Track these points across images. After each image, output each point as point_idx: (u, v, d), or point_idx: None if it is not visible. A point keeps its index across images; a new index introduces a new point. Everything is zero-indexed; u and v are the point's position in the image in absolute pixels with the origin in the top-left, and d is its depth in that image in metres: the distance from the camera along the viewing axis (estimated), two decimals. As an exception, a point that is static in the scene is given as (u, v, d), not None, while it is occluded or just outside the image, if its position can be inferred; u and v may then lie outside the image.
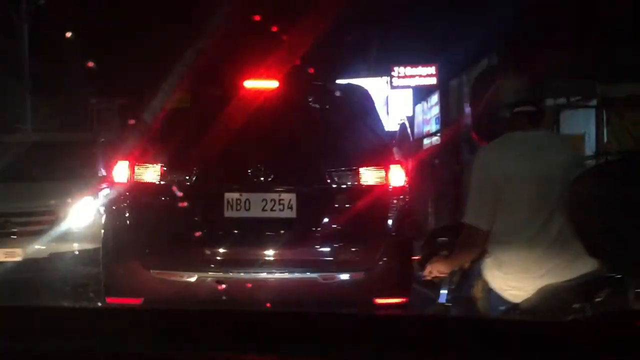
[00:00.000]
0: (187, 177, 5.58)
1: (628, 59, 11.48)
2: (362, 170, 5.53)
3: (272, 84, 5.90)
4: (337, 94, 6.17)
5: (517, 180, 3.41)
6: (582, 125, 12.47)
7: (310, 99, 6.02)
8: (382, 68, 24.46)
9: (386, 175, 5.53)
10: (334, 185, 5.54)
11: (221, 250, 5.54)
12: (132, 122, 6.39)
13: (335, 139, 5.71)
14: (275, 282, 5.45)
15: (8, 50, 22.16)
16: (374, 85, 24.55)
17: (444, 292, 3.74)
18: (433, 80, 22.09)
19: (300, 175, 5.57)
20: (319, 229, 5.49)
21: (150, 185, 5.59)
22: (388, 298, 5.49)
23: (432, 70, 22.18)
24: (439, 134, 20.96)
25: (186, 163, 5.56)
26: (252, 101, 5.69)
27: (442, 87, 21.08)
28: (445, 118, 20.48)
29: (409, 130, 24.78)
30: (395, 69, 22.42)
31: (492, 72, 3.86)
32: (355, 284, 5.44)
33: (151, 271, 5.53)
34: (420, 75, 22.34)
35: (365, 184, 5.53)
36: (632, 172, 3.16)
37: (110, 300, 5.63)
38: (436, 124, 21.37)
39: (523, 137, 3.49)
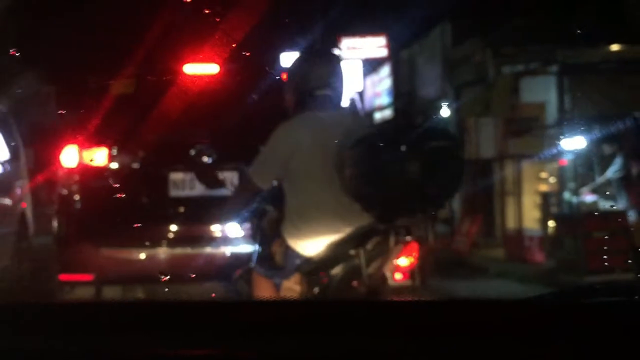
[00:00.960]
0: (134, 160, 5.95)
1: (589, 22, 10.95)
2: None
3: (211, 68, 6.13)
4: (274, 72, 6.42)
5: (305, 152, 3.95)
6: (543, 93, 11.94)
7: (248, 80, 6.18)
8: (329, 40, 23.75)
9: None
10: None
11: (168, 227, 5.97)
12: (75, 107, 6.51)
13: (275, 118, 5.65)
14: (221, 256, 5.79)
15: None
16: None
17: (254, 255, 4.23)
18: (384, 52, 21.42)
19: (241, 154, 5.63)
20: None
21: (98, 168, 5.94)
22: None
23: (382, 40, 21.50)
24: (390, 108, 20.34)
25: (132, 146, 5.90)
26: (193, 84, 5.95)
27: (393, 58, 20.44)
28: (398, 91, 19.85)
29: (359, 104, 24.16)
30: (343, 40, 21.70)
31: (302, 59, 4.37)
32: None
33: (102, 249, 5.93)
34: (370, 47, 21.65)
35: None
36: (387, 139, 3.82)
37: (63, 277, 6.02)
38: (388, 96, 20.73)
39: (319, 116, 4.04)
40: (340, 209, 3.92)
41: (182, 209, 6.06)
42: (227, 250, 5.97)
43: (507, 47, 11.98)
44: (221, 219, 5.53)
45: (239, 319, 1.64)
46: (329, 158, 3.88)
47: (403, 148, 3.74)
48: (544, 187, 12.21)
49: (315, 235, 3.98)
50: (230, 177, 5.63)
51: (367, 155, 3.79)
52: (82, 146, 6.01)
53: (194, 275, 5.97)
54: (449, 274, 11.20)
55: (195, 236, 5.97)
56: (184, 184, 6.05)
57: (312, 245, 3.98)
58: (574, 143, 11.23)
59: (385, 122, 5.21)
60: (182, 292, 5.99)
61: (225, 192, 5.50)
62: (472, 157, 13.35)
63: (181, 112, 5.76)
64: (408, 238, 3.96)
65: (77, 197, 6.09)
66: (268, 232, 4.19)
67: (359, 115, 5.15)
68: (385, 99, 21.03)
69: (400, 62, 19.92)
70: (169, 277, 5.71)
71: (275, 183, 4.11)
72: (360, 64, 23.34)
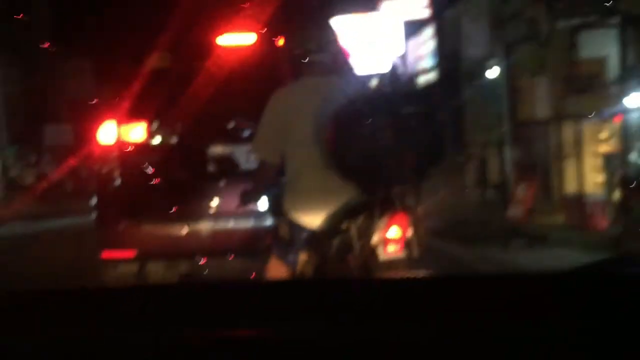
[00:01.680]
0: (172, 134, 5.91)
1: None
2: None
3: (247, 38, 6.09)
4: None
5: (302, 119, 3.87)
6: (603, 47, 11.12)
7: (284, 52, 5.96)
8: (369, 1, 22.99)
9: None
10: None
11: (209, 202, 5.93)
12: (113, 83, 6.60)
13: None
14: (263, 230, 5.58)
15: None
16: (361, 22, 23.13)
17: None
18: (426, 12, 20.63)
19: None
20: None
21: (137, 143, 5.92)
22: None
23: (424, 0, 20.70)
24: (435, 70, 19.56)
25: (170, 120, 5.83)
26: (230, 56, 5.92)
27: (437, 18, 19.62)
28: (443, 52, 19.05)
29: (401, 70, 23.37)
30: (384, 1, 20.94)
31: (296, 24, 4.40)
32: None
33: (143, 225, 5.92)
34: (412, 8, 20.86)
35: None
36: (364, 106, 3.74)
37: (105, 254, 5.93)
38: (433, 58, 19.93)
39: (313, 82, 4.00)
40: (335, 180, 3.82)
41: (222, 184, 6.01)
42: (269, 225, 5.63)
43: (561, 0, 11.18)
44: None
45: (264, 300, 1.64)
46: (321, 126, 3.83)
47: (380, 116, 3.72)
48: (605, 149, 11.43)
49: (313, 209, 3.92)
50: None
51: (345, 125, 3.75)
52: (120, 122, 5.97)
53: (233, 251, 5.96)
54: (504, 243, 10.58)
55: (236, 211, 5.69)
56: (223, 158, 6.11)
57: (311, 218, 3.92)
58: (638, 100, 10.44)
59: (367, 89, 4.47)
60: (223, 267, 6.00)
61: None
62: (527, 118, 12.61)
63: (218, 84, 5.72)
64: (395, 210, 3.85)
65: (116, 173, 6.03)
66: (277, 209, 4.12)
67: (356, 80, 4.76)
68: (429, 62, 20.25)
69: (444, 22, 19.10)
70: (209, 252, 5.83)
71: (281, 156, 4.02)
72: (402, 26, 22.59)
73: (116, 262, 6.12)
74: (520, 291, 1.57)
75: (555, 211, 12.40)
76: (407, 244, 3.91)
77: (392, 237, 3.89)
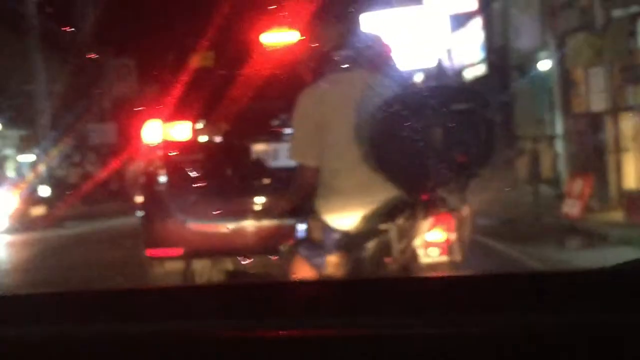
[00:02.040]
0: (216, 132, 5.91)
1: None
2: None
3: (289, 36, 6.09)
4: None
5: (337, 116, 3.76)
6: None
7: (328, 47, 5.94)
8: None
9: None
10: None
11: (253, 199, 5.90)
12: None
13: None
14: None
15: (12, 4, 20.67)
16: (405, 16, 22.70)
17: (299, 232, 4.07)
18: (473, 5, 20.13)
19: None
20: None
21: (182, 142, 5.95)
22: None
23: (469, -7, 20.21)
24: (483, 63, 19.07)
25: (214, 118, 5.80)
26: (273, 54, 5.97)
27: (484, 10, 19.12)
28: (491, 45, 18.55)
29: (449, 62, 22.89)
30: (430, -5, 20.51)
31: (318, 20, 4.27)
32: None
33: (188, 223, 5.88)
34: (458, 0, 20.37)
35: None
36: (409, 103, 3.59)
37: (150, 252, 5.97)
38: (481, 51, 19.43)
39: (344, 77, 3.87)
40: (374, 179, 3.69)
41: (266, 181, 6.05)
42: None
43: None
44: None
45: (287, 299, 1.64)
46: (361, 120, 3.71)
47: (426, 113, 3.57)
48: (667, 142, 10.91)
49: (348, 209, 3.79)
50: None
51: (386, 122, 3.59)
52: (165, 121, 6.03)
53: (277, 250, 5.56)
54: (561, 242, 10.11)
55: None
56: (266, 155, 6.13)
57: (346, 219, 3.80)
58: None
59: (412, 84, 4.71)
60: (267, 264, 5.83)
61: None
62: (582, 111, 12.10)
63: (261, 82, 5.72)
64: (439, 210, 3.69)
65: (161, 172, 6.06)
66: (307, 209, 4.01)
67: (390, 74, 4.26)
68: (477, 55, 19.75)
69: (492, 13, 18.59)
70: (254, 251, 5.75)
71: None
72: (447, 20, 22.11)
73: (162, 260, 6.13)
74: (564, 287, 1.57)
75: (614, 208, 11.89)
76: (450, 247, 3.77)
77: (434, 240, 3.75)
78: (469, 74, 20.54)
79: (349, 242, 3.76)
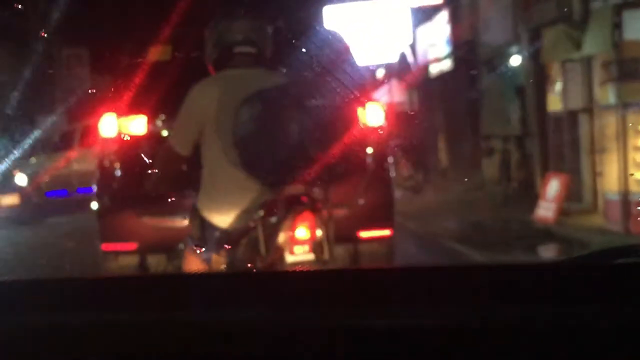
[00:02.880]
0: (171, 128, 5.74)
1: None
2: (339, 110, 5.63)
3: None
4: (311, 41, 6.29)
5: (217, 115, 3.80)
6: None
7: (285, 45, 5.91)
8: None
9: (363, 116, 5.75)
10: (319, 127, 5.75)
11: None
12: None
13: (312, 87, 5.50)
14: None
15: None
16: (363, 10, 22.08)
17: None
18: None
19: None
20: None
21: (137, 136, 5.97)
22: (372, 231, 5.97)
23: (436, -14, 19.47)
24: (450, 58, 18.34)
25: (170, 113, 5.52)
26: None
27: (451, 3, 18.40)
28: (458, 39, 17.83)
29: (411, 58, 22.20)
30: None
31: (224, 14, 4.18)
32: (340, 220, 5.27)
33: (143, 218, 6.02)
34: (424, -7, 19.64)
35: (342, 126, 5.55)
36: (272, 103, 3.78)
37: (105, 247, 6.08)
38: (446, 46, 18.71)
39: (239, 74, 3.93)
40: (247, 178, 3.82)
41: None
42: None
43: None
44: None
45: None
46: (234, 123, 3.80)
47: (285, 110, 3.77)
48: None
49: (225, 208, 3.89)
50: None
51: (255, 120, 3.73)
52: (120, 114, 6.03)
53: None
54: (534, 248, 9.41)
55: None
56: None
57: (223, 217, 3.89)
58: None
59: (290, 81, 4.18)
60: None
61: None
62: (557, 109, 11.39)
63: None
64: (303, 209, 3.78)
65: (116, 166, 6.12)
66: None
67: (277, 74, 4.34)
68: (442, 50, 19.03)
69: (459, 7, 17.87)
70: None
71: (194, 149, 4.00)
72: (409, 13, 21.39)
73: (117, 254, 6.20)
74: (516, 280, 1.63)
75: (590, 211, 11.20)
76: (315, 245, 3.81)
77: (300, 238, 3.79)
78: (434, 69, 19.83)
79: (224, 240, 3.84)
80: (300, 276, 2.01)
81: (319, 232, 3.81)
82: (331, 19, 22.48)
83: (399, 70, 23.07)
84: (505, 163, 12.98)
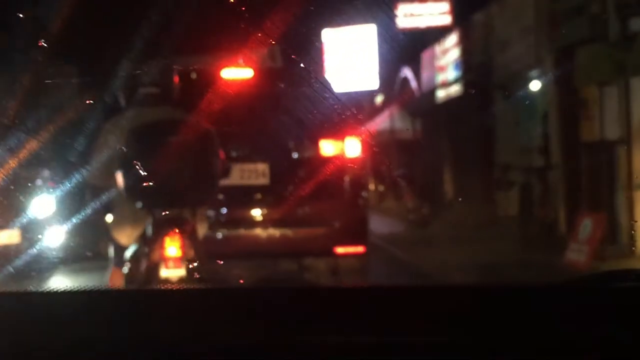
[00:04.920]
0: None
1: None
2: (320, 142, 6.86)
3: (245, 73, 6.97)
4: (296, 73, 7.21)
5: (124, 146, 4.51)
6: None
7: (271, 81, 7.10)
8: (379, 9, 20.63)
9: (342, 147, 6.79)
10: (300, 156, 7.04)
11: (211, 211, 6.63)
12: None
13: (298, 118, 6.55)
14: (252, 235, 6.97)
15: None
16: (361, 34, 21.15)
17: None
18: (446, 19, 18.20)
19: (271, 148, 6.96)
20: (288, 193, 6.88)
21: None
22: (347, 247, 6.83)
23: (444, 6, 18.28)
24: (459, 82, 17.07)
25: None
26: (230, 87, 6.69)
27: (463, 24, 17.18)
28: (469, 62, 16.57)
29: (414, 83, 20.99)
30: (400, 6, 18.48)
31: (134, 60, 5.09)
32: (318, 236, 6.81)
33: None
34: (431, 14, 18.43)
35: (322, 154, 6.85)
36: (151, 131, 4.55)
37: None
38: (455, 70, 17.46)
39: (140, 112, 4.77)
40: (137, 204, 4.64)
41: (219, 197, 6.61)
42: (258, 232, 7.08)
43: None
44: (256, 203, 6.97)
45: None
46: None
47: (169, 139, 4.42)
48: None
49: (123, 227, 4.69)
50: (262, 168, 6.91)
51: (132, 148, 4.41)
52: None
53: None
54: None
55: (231, 218, 6.94)
56: None
57: (123, 236, 4.69)
58: None
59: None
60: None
61: (258, 180, 6.82)
62: (591, 138, 10.11)
63: (221, 111, 6.10)
64: (174, 229, 4.46)
65: None
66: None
67: (183, 109, 4.92)
68: (451, 74, 17.78)
69: (471, 27, 16.62)
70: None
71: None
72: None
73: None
74: (509, 302, 1.67)
75: (627, 255, 9.88)
76: (183, 262, 4.47)
77: (170, 255, 4.47)
78: (441, 94, 18.58)
79: (121, 256, 4.57)
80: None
81: (188, 251, 4.43)
82: (329, 42, 21.39)
83: (401, 96, 21.87)
84: (526, 198, 11.66)
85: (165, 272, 4.40)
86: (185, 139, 4.26)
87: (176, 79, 5.12)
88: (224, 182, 6.18)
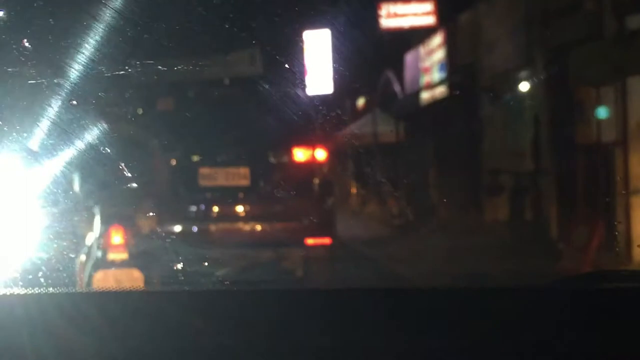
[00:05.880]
0: (175, 158, 8.43)
1: None
2: (293, 149, 8.29)
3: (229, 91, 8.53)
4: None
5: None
6: None
7: (251, 96, 8.19)
8: (362, 9, 20.12)
9: (312, 154, 8.26)
10: (276, 161, 8.54)
11: (197, 208, 8.35)
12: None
13: (276, 128, 7.74)
14: (235, 229, 8.29)
15: None
16: (348, 34, 20.45)
17: None
18: (430, 20, 17.72)
19: (251, 155, 8.41)
20: (265, 192, 8.30)
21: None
22: (316, 239, 8.07)
23: (428, 6, 17.80)
24: (445, 84, 16.61)
25: (174, 148, 8.17)
26: (216, 103, 8.23)
27: (447, 25, 16.72)
28: (454, 63, 16.11)
29: (397, 86, 20.51)
30: (384, 6, 18.00)
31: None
32: (291, 230, 8.09)
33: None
34: (414, 14, 17.95)
35: (295, 159, 8.33)
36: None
37: None
38: (440, 71, 17.00)
39: (105, 128, 5.82)
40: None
41: (208, 195, 8.33)
42: (244, 225, 8.40)
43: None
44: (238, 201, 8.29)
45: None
46: None
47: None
48: None
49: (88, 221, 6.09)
50: (244, 172, 8.32)
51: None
52: None
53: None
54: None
55: (217, 214, 8.37)
56: (209, 176, 8.32)
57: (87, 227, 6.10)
58: None
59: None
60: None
61: (241, 182, 8.18)
62: (587, 141, 9.66)
63: (207, 123, 7.75)
64: (116, 222, 5.95)
65: None
66: None
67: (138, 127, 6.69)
68: (435, 75, 17.32)
69: (458, 27, 16.16)
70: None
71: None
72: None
73: None
74: (500, 303, 1.68)
75: (623, 263, 9.44)
76: (125, 248, 5.94)
77: (114, 243, 5.99)
78: (425, 96, 18.12)
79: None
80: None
81: (132, 240, 5.74)
82: (311, 44, 20.89)
83: (384, 98, 21.38)
84: (516, 203, 11.21)
85: (111, 256, 5.98)
86: (126, 152, 5.19)
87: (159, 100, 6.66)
88: (213, 182, 8.08)
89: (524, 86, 12.33)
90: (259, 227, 8.23)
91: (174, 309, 1.72)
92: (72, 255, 5.52)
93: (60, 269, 5.33)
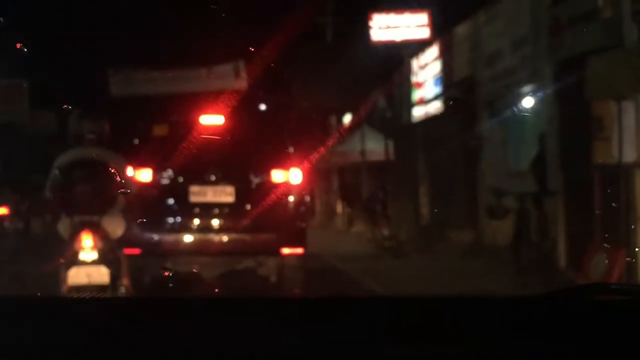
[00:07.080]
0: (167, 176, 9.56)
1: None
2: (272, 171, 9.40)
3: (218, 119, 9.64)
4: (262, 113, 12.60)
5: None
6: None
7: (241, 121, 9.85)
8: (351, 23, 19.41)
9: (288, 175, 9.37)
10: (257, 181, 9.53)
11: (189, 221, 9.51)
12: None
13: (257, 151, 9.61)
14: (222, 240, 9.41)
15: None
16: (339, 49, 19.98)
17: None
18: (424, 33, 16.95)
19: (236, 175, 9.48)
20: (247, 208, 9.37)
21: (145, 181, 9.38)
22: (290, 249, 9.29)
23: (423, 18, 17.03)
24: (440, 99, 15.78)
25: (166, 167, 9.45)
26: (206, 129, 9.25)
27: (443, 37, 15.91)
28: (450, 77, 15.29)
29: (384, 102, 19.68)
30: (376, 17, 17.20)
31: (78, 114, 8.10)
32: (269, 240, 9.30)
33: (146, 233, 9.35)
34: (408, 26, 17.16)
35: (274, 180, 9.38)
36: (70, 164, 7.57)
37: (125, 251, 7.91)
38: (435, 86, 16.18)
39: (81, 151, 7.45)
40: None
41: (197, 210, 9.47)
42: (228, 236, 9.48)
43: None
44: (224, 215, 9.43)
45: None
46: None
47: (87, 171, 7.27)
48: None
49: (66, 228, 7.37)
50: (229, 190, 9.46)
51: (62, 175, 7.24)
52: (136, 167, 8.94)
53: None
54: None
55: (206, 226, 9.43)
56: (199, 193, 9.47)
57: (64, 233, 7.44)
58: None
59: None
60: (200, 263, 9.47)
61: (226, 199, 9.42)
62: (605, 160, 8.82)
63: (198, 146, 8.71)
64: (89, 227, 7.07)
65: (134, 199, 8.10)
66: None
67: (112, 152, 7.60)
68: (430, 90, 16.50)
69: (454, 40, 15.34)
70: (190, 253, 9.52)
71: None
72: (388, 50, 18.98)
73: (130, 255, 8.21)
74: (495, 313, 1.69)
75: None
76: (99, 250, 7.03)
77: (85, 245, 7.00)
78: (418, 112, 17.29)
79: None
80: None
81: (100, 243, 7.03)
82: (300, 59, 20.11)
83: (372, 115, 20.54)
84: (521, 226, 10.35)
85: (82, 256, 6.94)
86: (93, 172, 7.15)
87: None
88: (203, 198, 9.34)
89: (528, 101, 11.50)
90: (240, 238, 9.35)
91: (149, 317, 1.75)
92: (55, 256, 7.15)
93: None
